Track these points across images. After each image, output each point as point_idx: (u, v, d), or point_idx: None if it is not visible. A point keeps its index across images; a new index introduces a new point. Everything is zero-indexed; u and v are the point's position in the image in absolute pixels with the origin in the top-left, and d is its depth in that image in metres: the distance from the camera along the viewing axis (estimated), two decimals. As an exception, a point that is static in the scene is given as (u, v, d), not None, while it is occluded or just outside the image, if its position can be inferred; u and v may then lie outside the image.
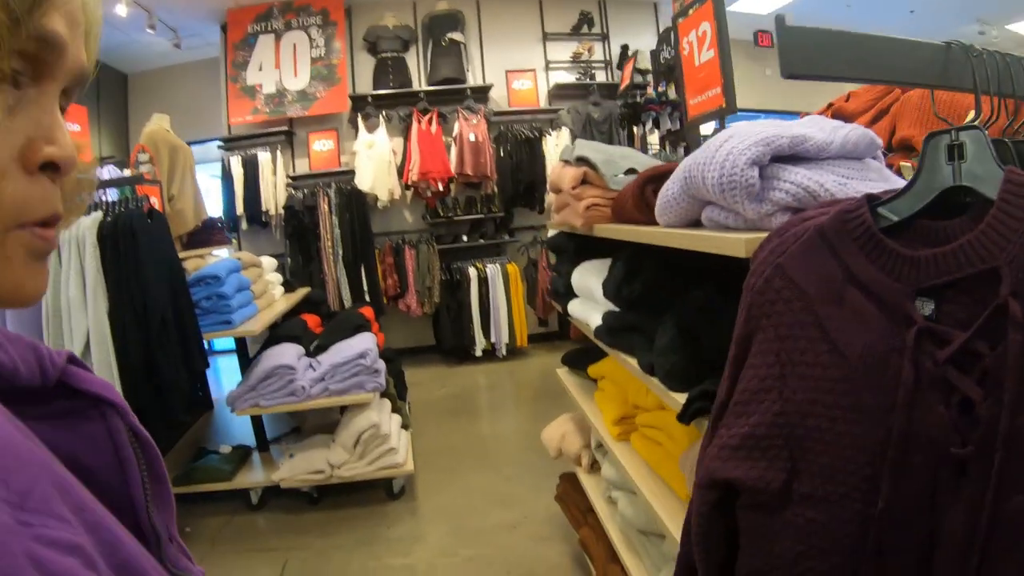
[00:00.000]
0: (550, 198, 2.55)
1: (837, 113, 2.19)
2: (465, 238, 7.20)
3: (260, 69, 6.89)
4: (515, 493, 3.75)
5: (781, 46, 0.95)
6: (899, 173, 1.87)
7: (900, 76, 0.99)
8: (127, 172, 4.34)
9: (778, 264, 0.91)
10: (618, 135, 6.85)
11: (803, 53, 0.94)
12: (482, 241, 7.20)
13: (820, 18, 8.22)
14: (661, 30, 7.59)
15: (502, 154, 6.97)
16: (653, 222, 1.59)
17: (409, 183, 6.75)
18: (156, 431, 2.85)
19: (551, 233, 2.76)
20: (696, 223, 1.37)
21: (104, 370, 2.91)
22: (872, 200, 0.90)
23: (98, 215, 3.11)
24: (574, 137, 6.78)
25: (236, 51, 6.92)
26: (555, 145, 6.88)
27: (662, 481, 1.82)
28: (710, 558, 0.95)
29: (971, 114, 1.71)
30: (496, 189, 7.10)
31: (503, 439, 4.77)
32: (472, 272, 6.82)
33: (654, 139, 5.14)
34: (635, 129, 6.25)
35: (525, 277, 7.10)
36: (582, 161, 2.04)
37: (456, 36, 7.13)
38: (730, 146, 1.12)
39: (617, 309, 1.89)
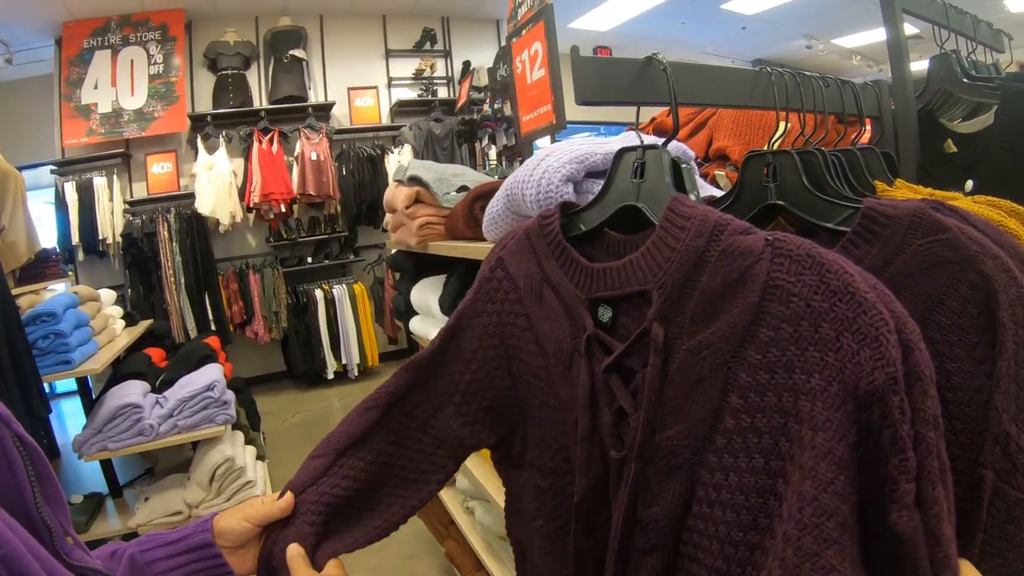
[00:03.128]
0: (388, 217, 2.56)
1: (658, 127, 2.31)
2: (310, 259, 7.09)
3: (96, 87, 6.49)
4: (376, 514, 3.70)
5: (575, 75, 1.01)
6: (714, 182, 2.02)
7: (686, 98, 1.07)
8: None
9: (500, 257, 1.00)
10: (459, 151, 6.94)
11: (593, 81, 1.00)
12: (327, 262, 7.12)
13: (656, 34, 8.64)
14: (501, 47, 7.78)
15: (344, 172, 6.91)
16: (483, 238, 1.65)
17: (251, 205, 6.56)
18: None
19: (392, 252, 2.77)
20: (514, 228, 1.43)
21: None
22: (569, 208, 0.98)
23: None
24: (416, 154, 6.82)
25: (71, 67, 6.49)
26: (397, 162, 6.86)
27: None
28: None
29: (780, 127, 1.87)
30: (339, 208, 7.04)
31: (362, 460, 4.70)
32: (319, 294, 6.72)
33: (492, 155, 5.23)
34: (476, 145, 6.36)
35: (372, 296, 7.04)
36: (415, 180, 2.07)
37: (298, 53, 7.02)
38: (546, 164, 1.18)
39: (455, 324, 1.92)
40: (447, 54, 7.82)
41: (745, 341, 0.72)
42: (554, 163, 1.16)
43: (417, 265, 2.42)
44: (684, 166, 0.92)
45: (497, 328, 0.98)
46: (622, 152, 0.95)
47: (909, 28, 1.83)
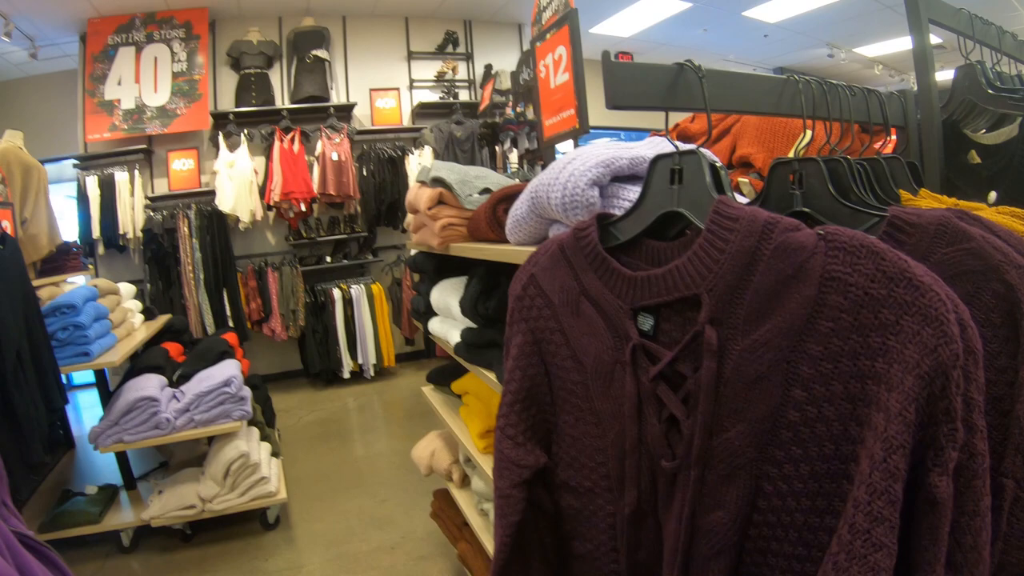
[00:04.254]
0: (409, 218, 2.57)
1: (682, 134, 2.31)
2: (329, 259, 7.10)
3: (119, 83, 6.54)
4: (391, 514, 3.73)
5: (606, 80, 1.01)
6: (737, 189, 2.02)
7: (717, 104, 1.08)
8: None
9: (532, 274, 1.00)
10: (480, 154, 6.95)
11: (626, 87, 1.01)
12: (346, 261, 7.13)
13: (678, 41, 8.63)
14: (524, 51, 7.79)
15: (365, 173, 6.93)
16: (506, 240, 1.66)
17: (271, 203, 6.60)
18: (15, 474, 2.65)
19: (412, 253, 2.78)
20: (545, 240, 1.43)
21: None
22: (605, 219, 0.97)
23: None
24: (437, 156, 6.83)
25: (95, 63, 6.54)
26: (418, 164, 6.88)
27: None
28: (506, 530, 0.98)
29: (806, 135, 1.87)
30: (359, 208, 7.06)
31: (376, 461, 4.73)
32: (336, 293, 6.74)
33: (514, 158, 5.22)
34: (497, 148, 6.36)
35: (390, 296, 7.07)
36: (437, 182, 2.08)
37: (321, 53, 7.04)
38: (572, 168, 1.17)
39: (475, 326, 1.93)
40: (469, 57, 7.84)
41: (804, 335, 0.75)
42: (580, 167, 1.16)
43: (438, 266, 2.43)
44: (721, 167, 0.93)
45: (534, 346, 0.98)
46: (657, 160, 0.95)
47: (932, 38, 1.83)
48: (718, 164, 0.93)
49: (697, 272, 0.83)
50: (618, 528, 0.90)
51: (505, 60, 7.70)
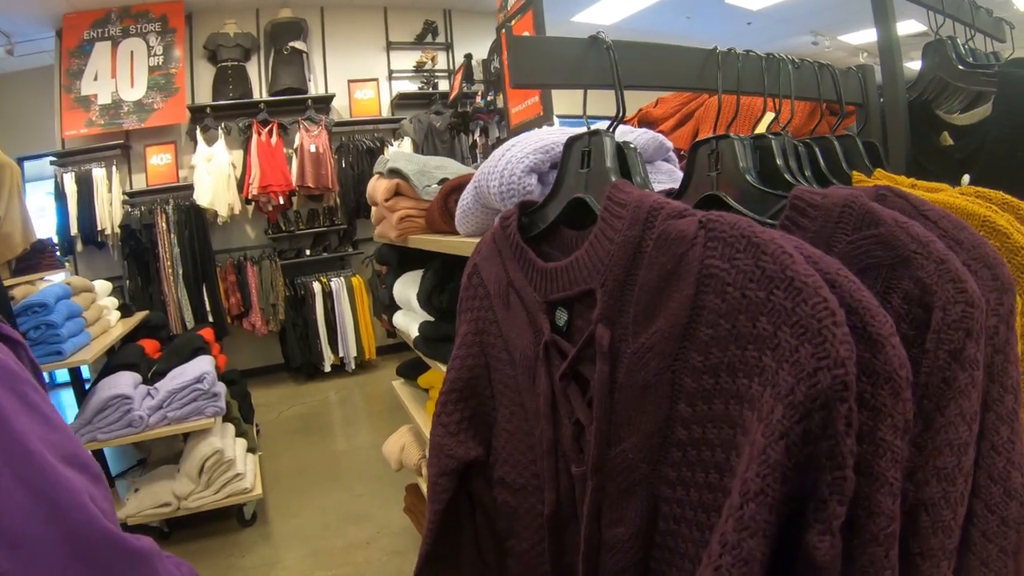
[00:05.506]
0: (373, 211, 2.54)
1: (644, 118, 2.27)
2: (308, 252, 7.06)
3: (96, 78, 6.47)
4: (368, 509, 3.71)
5: (510, 57, 0.95)
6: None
7: (633, 80, 1.01)
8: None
9: (475, 264, 0.96)
10: (458, 144, 6.92)
11: (531, 62, 0.95)
12: (325, 254, 7.09)
13: (661, 29, 8.58)
14: (494, 40, 7.72)
15: (344, 165, 6.90)
16: (455, 231, 1.63)
17: (249, 197, 6.54)
18: None
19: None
20: (493, 232, 1.40)
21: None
22: (528, 207, 0.93)
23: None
24: (416, 147, 6.80)
25: (71, 58, 6.46)
26: (382, 158, 6.83)
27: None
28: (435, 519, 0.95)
29: (767, 116, 1.82)
30: (339, 201, 7.01)
31: (355, 455, 4.70)
32: (317, 287, 6.70)
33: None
34: (470, 137, 6.33)
35: (370, 289, 7.00)
36: (394, 173, 2.04)
37: (298, 45, 6.99)
38: (511, 155, 1.15)
39: (431, 319, 1.90)
40: (448, 47, 7.79)
41: (686, 341, 0.65)
42: (517, 154, 1.14)
43: (401, 259, 2.40)
44: (631, 148, 0.87)
45: (476, 336, 0.94)
46: (571, 141, 0.90)
47: (916, 25, 1.78)
48: (632, 145, 0.88)
49: (593, 265, 0.75)
50: (544, 530, 0.84)
51: (484, 49, 7.62)
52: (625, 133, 1.20)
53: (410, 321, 2.14)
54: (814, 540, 0.51)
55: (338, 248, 7.19)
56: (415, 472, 2.72)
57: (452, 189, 1.67)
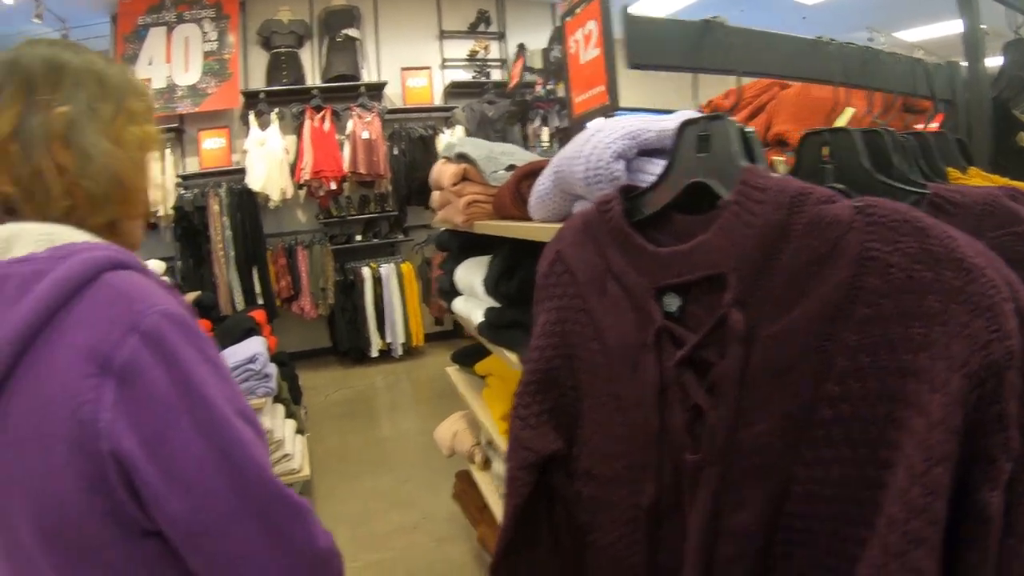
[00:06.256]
0: (435, 195, 2.53)
1: (715, 111, 2.24)
2: (359, 237, 7.09)
3: (150, 63, 6.55)
4: (413, 494, 3.72)
5: (627, 37, 0.94)
6: (772, 167, 1.95)
7: (746, 66, 1.00)
8: None
9: (559, 251, 0.94)
10: (512, 133, 6.90)
11: (648, 44, 0.93)
12: (376, 240, 7.11)
13: (711, 20, 8.48)
14: (555, 28, 7.66)
15: (396, 152, 6.90)
16: (529, 217, 1.61)
17: (302, 182, 6.59)
18: None
19: (439, 231, 2.75)
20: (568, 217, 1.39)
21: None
22: (630, 191, 0.90)
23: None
24: (469, 135, 6.78)
25: (126, 43, 6.56)
26: (449, 143, 6.82)
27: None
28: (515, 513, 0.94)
29: (846, 112, 1.78)
30: (390, 188, 7.02)
31: (401, 440, 4.72)
32: (366, 272, 6.73)
33: (545, 136, 5.17)
34: (528, 126, 6.30)
35: (420, 276, 7.05)
36: (462, 157, 2.03)
37: (352, 32, 7.01)
38: (596, 140, 1.12)
39: (497, 305, 1.89)
40: (501, 36, 7.76)
41: (838, 321, 0.66)
42: (604, 139, 1.10)
43: (462, 245, 2.39)
44: (752, 133, 0.84)
45: (557, 326, 0.92)
46: (685, 125, 0.87)
47: (962, 26, 1.72)
48: (749, 131, 0.86)
49: (723, 249, 0.74)
50: (639, 522, 0.83)
51: (537, 39, 7.60)
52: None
53: (472, 307, 2.13)
54: (986, 496, 0.56)
55: (388, 235, 7.22)
56: (467, 459, 2.73)
57: (525, 175, 1.65)
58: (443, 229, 2.61)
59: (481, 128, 6.81)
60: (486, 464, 2.61)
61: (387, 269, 6.74)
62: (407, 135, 6.96)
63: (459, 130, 6.82)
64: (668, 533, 0.80)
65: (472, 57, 7.61)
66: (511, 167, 2.00)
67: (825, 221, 0.68)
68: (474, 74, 7.58)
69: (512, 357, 1.73)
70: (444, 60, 7.56)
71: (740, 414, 0.72)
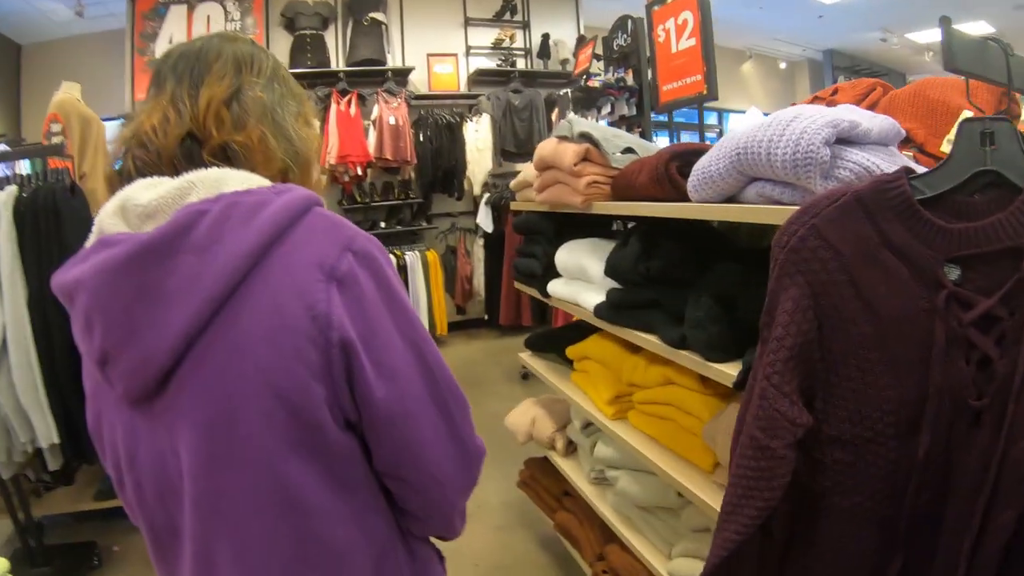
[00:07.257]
0: (521, 176, 2.52)
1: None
2: (383, 224, 7.01)
3: (170, 42, 6.34)
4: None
5: (949, 47, 1.02)
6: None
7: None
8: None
9: (812, 225, 0.99)
10: (539, 122, 6.88)
11: (962, 55, 1.02)
12: (399, 228, 7.03)
13: (731, 18, 8.51)
14: (583, 21, 7.73)
15: (421, 139, 6.85)
16: (672, 198, 1.63)
17: (327, 167, 6.50)
18: (83, 439, 2.57)
19: (517, 213, 2.73)
20: (729, 200, 1.42)
21: (25, 373, 2.57)
22: (907, 174, 0.98)
23: (13, 189, 2.78)
24: (495, 124, 6.76)
25: (144, 21, 6.44)
26: (475, 131, 6.82)
27: (674, 455, 1.82)
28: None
29: (964, 112, 1.78)
30: (414, 175, 6.97)
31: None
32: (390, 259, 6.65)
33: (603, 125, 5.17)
34: (553, 115, 6.25)
35: (444, 264, 7.00)
36: (585, 137, 2.01)
37: (378, 16, 6.93)
38: (803, 126, 1.16)
39: (619, 287, 1.87)
40: (525, 25, 7.73)
41: None
42: (811, 125, 1.14)
43: (558, 228, 2.38)
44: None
45: (810, 300, 0.98)
46: (965, 123, 0.98)
47: (985, 27, 1.74)
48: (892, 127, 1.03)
49: (1021, 225, 0.89)
50: (900, 474, 0.94)
51: (561, 30, 7.63)
52: (872, 116, 1.22)
53: (578, 289, 2.12)
54: None
55: (412, 222, 7.16)
56: (546, 445, 2.70)
57: (675, 155, 1.63)
58: (528, 212, 2.59)
59: (507, 117, 6.81)
60: (569, 450, 2.60)
61: (412, 257, 6.66)
62: (434, 122, 6.92)
63: (485, 118, 6.79)
64: (931, 479, 0.93)
65: (497, 45, 7.58)
66: (628, 150, 1.99)
67: None
68: (499, 62, 7.55)
69: (649, 338, 1.72)
70: (469, 47, 7.53)
71: None
